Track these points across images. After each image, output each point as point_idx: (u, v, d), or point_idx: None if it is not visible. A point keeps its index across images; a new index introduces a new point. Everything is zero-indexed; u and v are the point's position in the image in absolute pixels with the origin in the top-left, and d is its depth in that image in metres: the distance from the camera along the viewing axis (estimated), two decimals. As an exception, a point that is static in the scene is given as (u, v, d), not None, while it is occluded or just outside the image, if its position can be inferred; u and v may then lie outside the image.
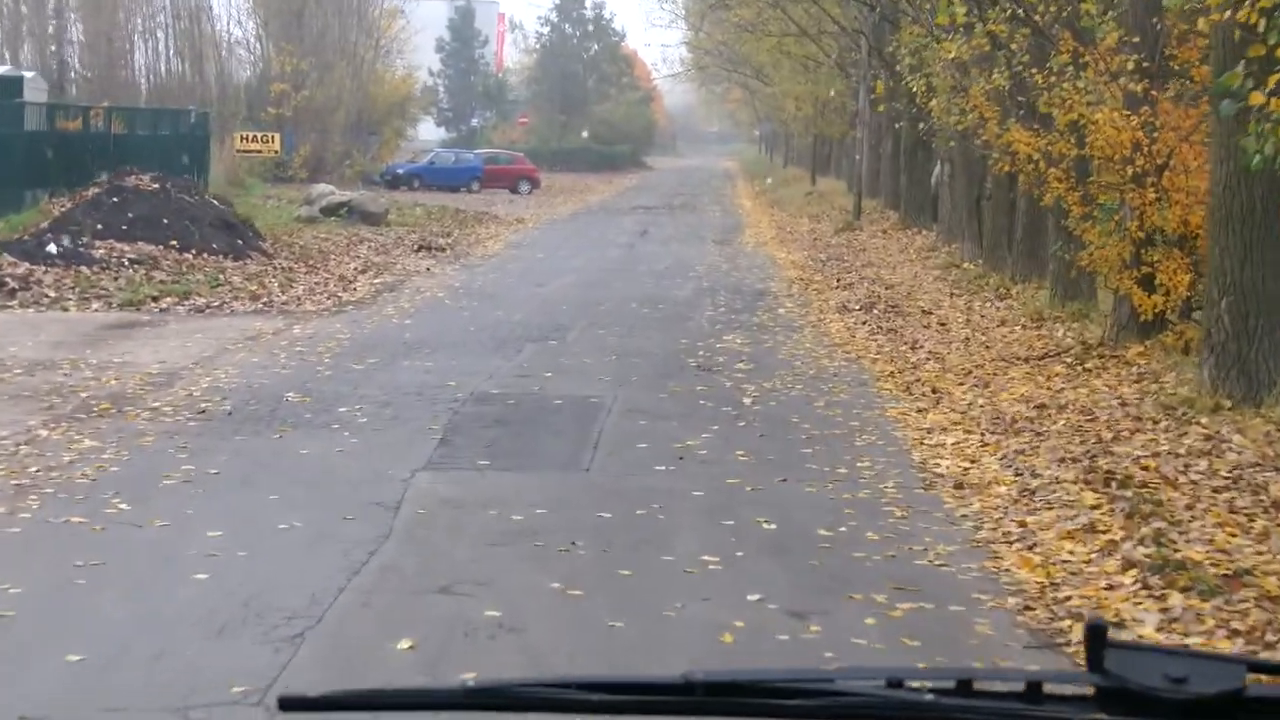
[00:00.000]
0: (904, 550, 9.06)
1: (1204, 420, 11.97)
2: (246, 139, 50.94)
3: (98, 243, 23.22)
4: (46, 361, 15.64)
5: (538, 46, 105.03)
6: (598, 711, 1.88)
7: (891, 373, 15.96)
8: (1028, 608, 7.94)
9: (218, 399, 13.70)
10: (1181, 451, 11.11)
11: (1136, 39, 16.07)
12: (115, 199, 24.87)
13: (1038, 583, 8.37)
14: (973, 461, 11.55)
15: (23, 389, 14.10)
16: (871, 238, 36.32)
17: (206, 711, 6.28)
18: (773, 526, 9.55)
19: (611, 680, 1.89)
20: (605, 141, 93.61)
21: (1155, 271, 15.90)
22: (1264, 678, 1.95)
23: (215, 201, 27.72)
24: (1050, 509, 9.93)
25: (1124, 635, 7.08)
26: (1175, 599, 7.90)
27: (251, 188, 44.91)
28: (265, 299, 21.59)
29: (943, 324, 20.06)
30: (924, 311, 21.42)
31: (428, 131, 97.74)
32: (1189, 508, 9.64)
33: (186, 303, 20.77)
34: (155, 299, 20.78)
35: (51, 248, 22.47)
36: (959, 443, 12.23)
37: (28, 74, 41.00)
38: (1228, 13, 10.93)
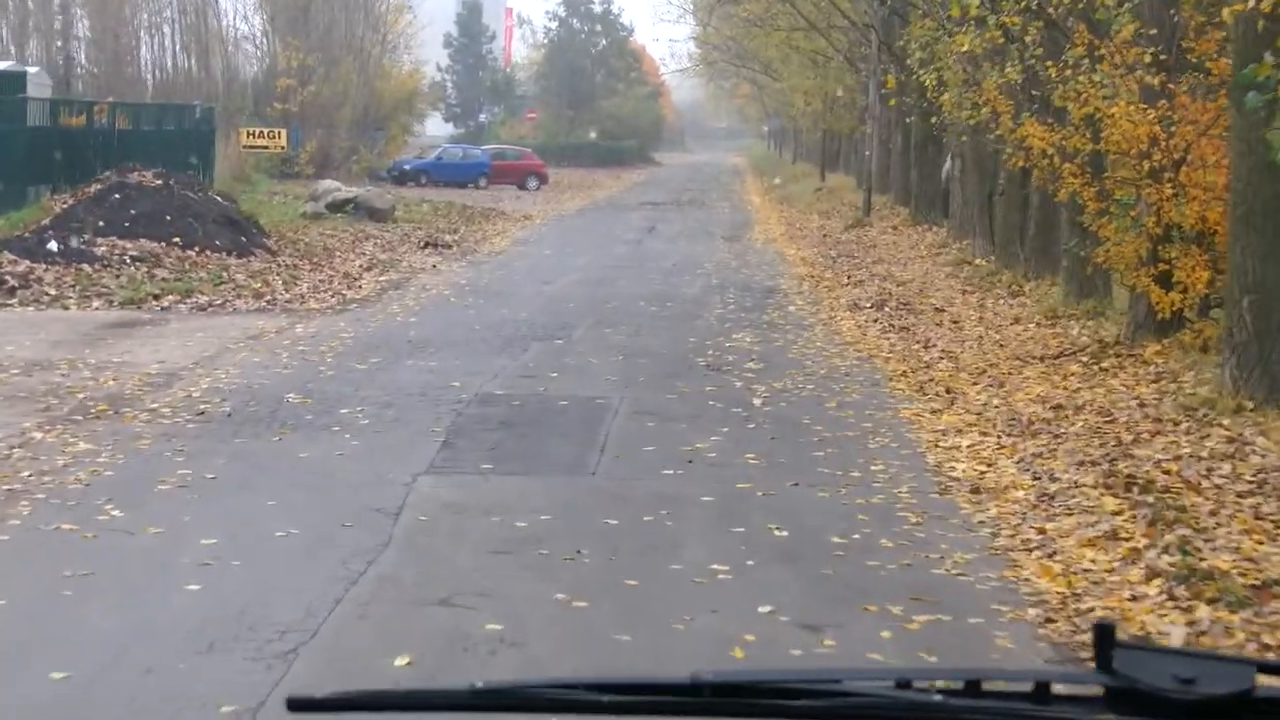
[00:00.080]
0: (920, 558, 8.77)
1: (1226, 422, 11.67)
2: (252, 135, 50.66)
3: (99, 240, 22.96)
4: (44, 361, 15.38)
5: (546, 41, 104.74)
6: (606, 712, 1.87)
7: (904, 372, 15.67)
8: (1049, 620, 7.65)
9: (217, 400, 13.43)
10: (1204, 455, 10.81)
11: (1153, 31, 15.77)
12: (117, 195, 24.62)
13: (1059, 593, 8.08)
14: (989, 465, 11.26)
15: (19, 390, 13.83)
16: (882, 234, 36.02)
17: (193, 733, 6.02)
18: (784, 533, 9.27)
19: (619, 681, 1.88)
20: (613, 137, 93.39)
21: (1173, 268, 15.61)
22: (1273, 679, 1.89)
23: (219, 198, 27.47)
24: (1070, 515, 9.64)
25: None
26: (1202, 611, 7.61)
27: (257, 184, 44.68)
28: (269, 297, 21.33)
29: (955, 322, 19.76)
30: (936, 309, 21.13)
31: (435, 127, 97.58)
32: (1213, 514, 9.35)
33: (189, 301, 20.50)
34: (157, 297, 20.52)
35: (52, 245, 22.22)
36: (974, 445, 11.94)
37: (31, 69, 40.75)
38: (1251, 2, 10.63)
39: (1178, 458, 10.75)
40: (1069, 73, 16.80)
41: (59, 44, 62.93)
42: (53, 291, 20.51)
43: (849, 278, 26.26)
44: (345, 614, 7.57)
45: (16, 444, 11.46)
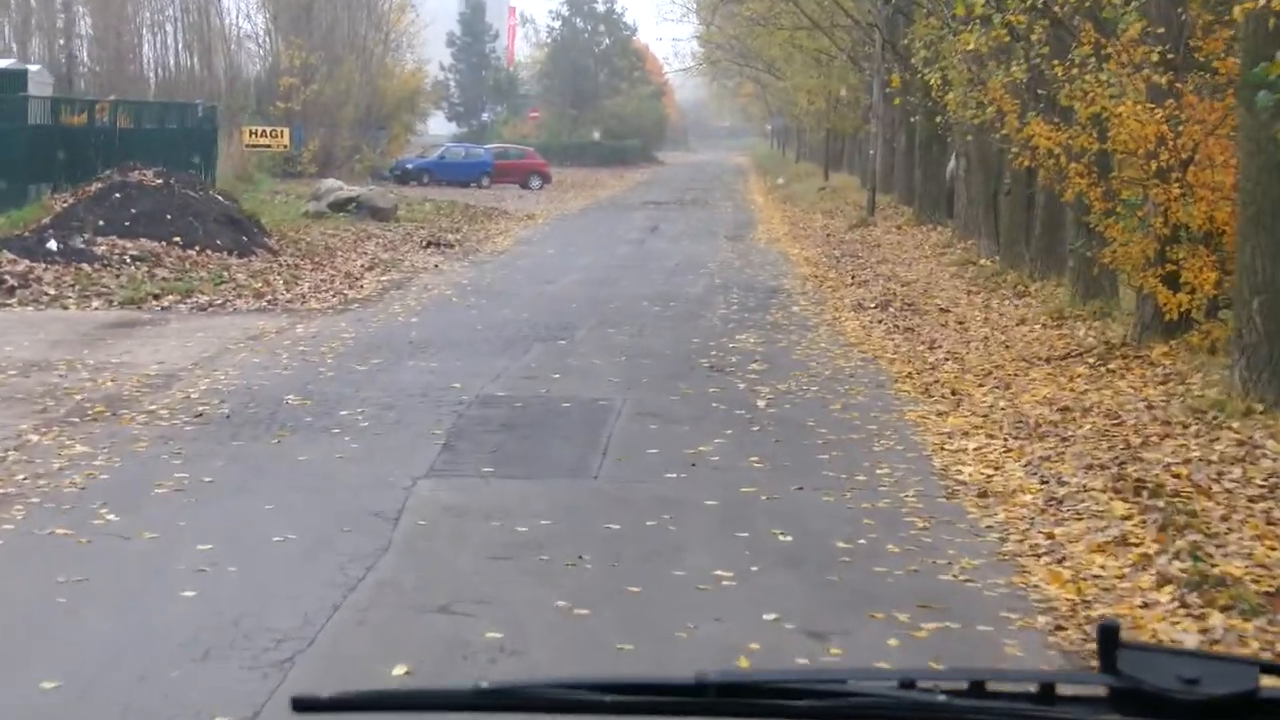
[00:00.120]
0: (927, 564, 8.64)
1: (1235, 425, 11.53)
2: (255, 134, 50.60)
3: (99, 239, 22.83)
4: (42, 362, 15.26)
5: (549, 41, 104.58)
6: (610, 712, 1.86)
7: (909, 373, 15.53)
8: (1059, 628, 7.52)
9: (216, 402, 13.30)
10: (1214, 458, 10.67)
11: (1161, 30, 15.62)
12: (118, 194, 24.49)
13: (1068, 600, 7.95)
14: (996, 468, 11.12)
15: (16, 391, 13.70)
16: (886, 234, 35.87)
17: (186, 746, 5.89)
18: (789, 538, 9.13)
19: (624, 681, 1.88)
20: (616, 136, 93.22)
21: (1180, 269, 15.46)
22: (1277, 680, 1.89)
23: (220, 197, 27.34)
24: (1079, 519, 9.50)
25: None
26: (1216, 619, 7.48)
27: (259, 183, 44.56)
28: (269, 297, 21.20)
29: (960, 322, 19.62)
30: (941, 310, 20.99)
31: (438, 126, 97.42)
32: (1224, 519, 9.22)
33: (189, 301, 20.37)
34: (157, 297, 20.40)
35: (52, 244, 22.09)
36: (981, 448, 11.80)
37: (32, 68, 40.63)
38: (1263, 1, 10.50)
39: (1187, 461, 10.60)
40: (1075, 71, 16.66)
41: (61, 42, 62.88)
42: (52, 291, 20.39)
43: (853, 278, 26.13)
44: (343, 621, 7.44)
45: (12, 446, 11.33)
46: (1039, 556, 8.82)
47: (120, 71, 60.01)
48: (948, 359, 16.47)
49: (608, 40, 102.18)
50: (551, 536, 9.05)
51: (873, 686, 1.88)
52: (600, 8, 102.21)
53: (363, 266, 26.04)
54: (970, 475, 10.90)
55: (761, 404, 13.76)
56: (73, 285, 20.80)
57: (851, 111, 54.48)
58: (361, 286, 23.30)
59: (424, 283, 24.30)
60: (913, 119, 36.05)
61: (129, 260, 22.33)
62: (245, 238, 25.24)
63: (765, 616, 7.58)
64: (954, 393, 14.32)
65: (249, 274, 23.03)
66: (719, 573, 8.33)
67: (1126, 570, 8.45)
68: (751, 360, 16.41)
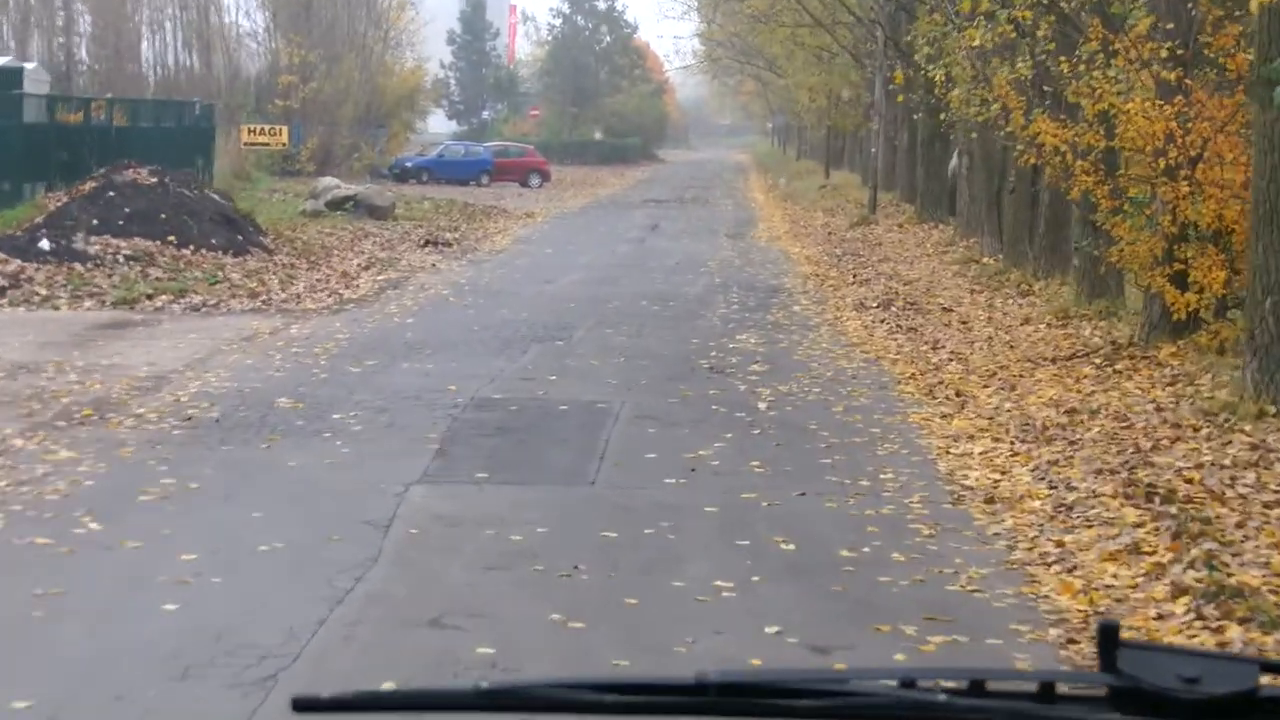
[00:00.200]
0: (933, 574, 8.38)
1: (1248, 428, 11.27)
2: (254, 131, 50.35)
3: (92, 238, 22.53)
4: (31, 364, 14.98)
5: (549, 39, 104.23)
6: (610, 712, 1.85)
7: (913, 375, 15.27)
8: (1071, 640, 7.26)
9: (206, 405, 13.02)
10: (1226, 463, 10.41)
11: (1170, 25, 15.35)
12: (112, 193, 24.18)
13: (1080, 611, 7.69)
14: (1003, 473, 10.86)
15: (2, 394, 13.43)
16: (887, 232, 35.60)
17: (160, 771, 5.63)
18: (791, 547, 8.87)
19: (624, 681, 1.87)
20: (617, 134, 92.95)
21: (1189, 268, 15.20)
22: (1277, 678, 1.89)
23: (215, 196, 27.04)
24: (1089, 527, 9.24)
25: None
26: (1234, 631, 7.22)
27: (258, 181, 44.30)
28: (264, 297, 20.93)
29: (964, 322, 19.36)
30: (944, 309, 20.72)
31: (438, 124, 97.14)
32: (1239, 526, 8.96)
33: (182, 301, 20.10)
34: (150, 297, 20.12)
35: (44, 243, 21.81)
36: (987, 452, 11.54)
37: (28, 65, 40.36)
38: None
39: (1199, 466, 10.34)
40: (1082, 68, 16.39)
41: (60, 40, 62.65)
42: (43, 291, 20.11)
43: (854, 276, 25.86)
44: (329, 636, 7.18)
45: (-4, 451, 11.07)
46: (1049, 565, 8.57)
47: (119, 70, 59.80)
48: (951, 359, 16.21)
49: (608, 38, 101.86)
50: (547, 545, 8.79)
51: (873, 686, 1.86)
52: (601, 5, 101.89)
53: (359, 266, 25.77)
54: (976, 480, 10.64)
55: (762, 406, 13.49)
56: (65, 285, 20.52)
57: (853, 109, 54.21)
58: (357, 286, 23.03)
59: (421, 282, 24.02)
60: (915, 116, 35.78)
61: (122, 260, 22.05)
62: (240, 237, 24.96)
63: (767, 630, 7.34)
64: (958, 394, 14.05)
65: (244, 273, 22.75)
66: (719, 583, 8.07)
67: (1140, 580, 8.19)
68: (752, 361, 16.15)
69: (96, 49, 62.57)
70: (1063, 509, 9.69)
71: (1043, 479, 10.53)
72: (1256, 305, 12.13)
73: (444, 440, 11.74)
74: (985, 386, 14.43)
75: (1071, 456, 11.04)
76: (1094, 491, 9.97)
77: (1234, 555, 8.36)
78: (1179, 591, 7.82)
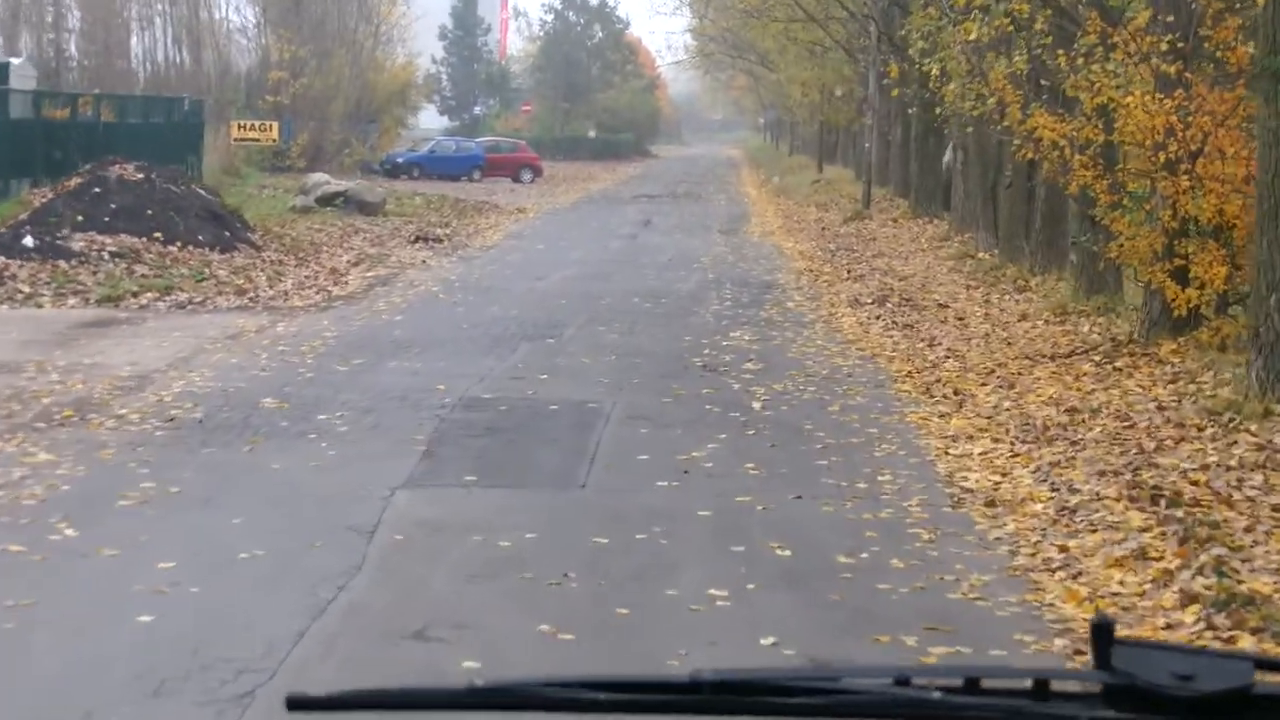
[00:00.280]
0: (934, 580, 8.13)
1: (1253, 427, 11.01)
2: (244, 127, 50.05)
3: (77, 235, 22.24)
4: (11, 364, 14.70)
5: (541, 34, 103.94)
6: (604, 710, 1.82)
7: (909, 372, 15.01)
8: (1078, 652, 6.99)
9: (189, 405, 12.75)
10: (1232, 464, 10.16)
11: (1170, 18, 15.11)
12: (97, 189, 23.86)
13: (1086, 620, 7.40)
14: (1003, 474, 10.61)
15: (-19, 394, 13.16)
16: (881, 227, 35.36)
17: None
18: (787, 553, 8.62)
19: (618, 679, 1.85)
20: (609, 130, 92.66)
21: (1189, 264, 14.96)
22: (1271, 675, 1.85)
23: (203, 192, 26.72)
24: (1094, 531, 8.99)
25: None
26: (1246, 641, 6.98)
27: (247, 177, 44.00)
28: (251, 294, 20.64)
29: (960, 318, 19.11)
30: (940, 305, 20.48)
31: (430, 120, 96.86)
32: (1248, 530, 8.71)
33: (168, 298, 19.80)
34: (135, 294, 19.82)
35: (28, 240, 21.51)
36: (987, 452, 11.29)
37: (15, 61, 39.98)
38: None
39: (1205, 467, 10.10)
40: (1081, 61, 16.14)
41: (50, 36, 62.29)
42: (27, 289, 19.81)
43: (849, 272, 25.61)
44: (309, 650, 6.92)
45: (-29, 455, 10.79)
46: (1053, 571, 8.32)
47: (109, 65, 59.48)
48: (948, 357, 15.96)
49: (600, 34, 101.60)
50: (535, 552, 8.53)
51: (867, 684, 1.85)
52: (593, 1, 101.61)
53: (348, 262, 25.49)
54: (977, 482, 10.39)
55: (757, 406, 13.23)
56: (48, 283, 20.22)
57: (846, 104, 53.98)
58: (346, 283, 22.75)
59: (410, 279, 23.74)
60: (910, 110, 35.52)
61: (107, 257, 21.75)
62: (228, 233, 24.67)
63: (763, 641, 7.09)
64: (956, 393, 13.81)
65: (231, 270, 22.47)
66: (713, 592, 7.82)
67: (1147, 587, 7.94)
68: (746, 359, 15.89)
69: (86, 45, 62.22)
70: (1065, 512, 9.44)
71: (1044, 481, 10.28)
72: (1261, 301, 11.88)
73: (431, 442, 11.47)
74: (983, 384, 14.19)
75: (1073, 457, 10.79)
76: (1097, 494, 9.72)
77: (1244, 561, 8.11)
78: (1188, 599, 7.58)
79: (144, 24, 64.09)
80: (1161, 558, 8.32)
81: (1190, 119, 14.81)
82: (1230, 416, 11.41)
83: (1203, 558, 8.10)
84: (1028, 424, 12.07)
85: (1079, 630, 7.29)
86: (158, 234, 23.12)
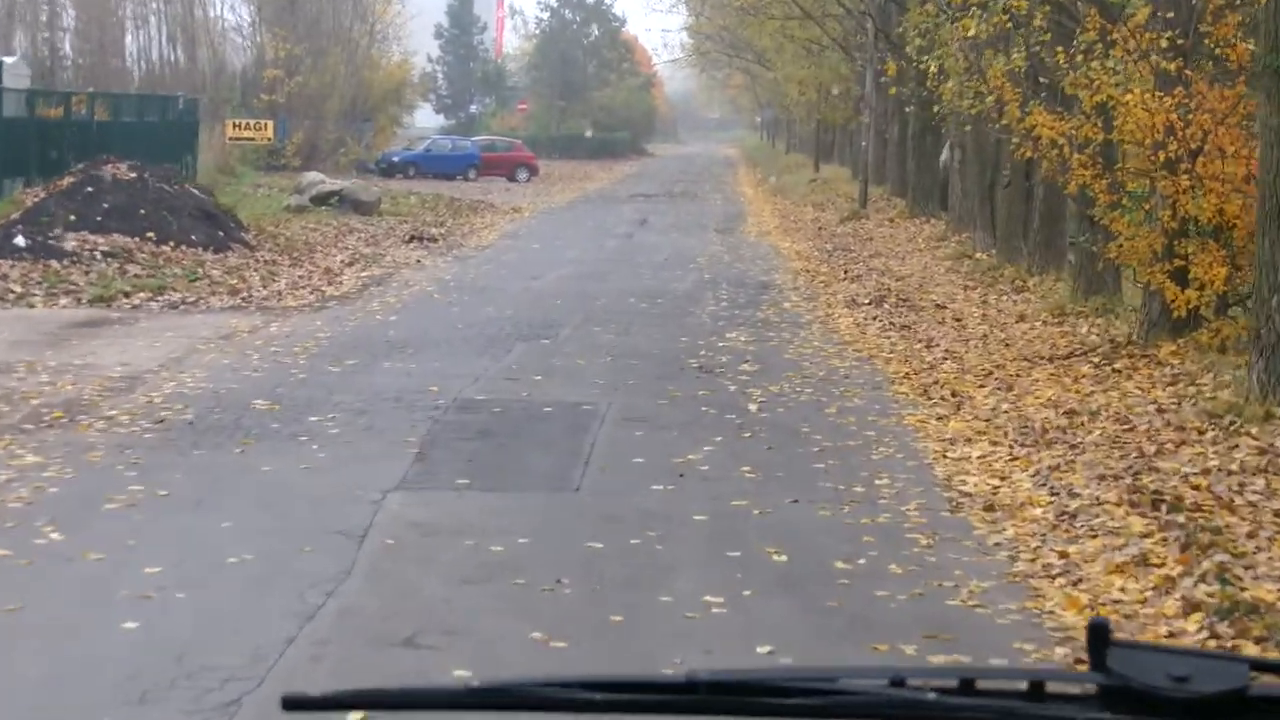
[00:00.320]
0: (933, 587, 8.01)
1: (1255, 431, 10.90)
2: (239, 126, 49.94)
3: (70, 234, 22.09)
4: (1, 364, 14.55)
5: (537, 32, 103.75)
6: (601, 710, 1.83)
7: (907, 374, 14.89)
8: (1079, 661, 6.86)
9: (179, 407, 12.62)
10: (1234, 468, 10.05)
11: (1170, 15, 14.99)
12: (90, 188, 23.70)
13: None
14: (1002, 478, 10.49)
15: (-30, 396, 13.02)
16: (878, 226, 35.24)
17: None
18: (783, 558, 8.50)
19: (614, 679, 1.86)
20: (605, 128, 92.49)
21: (1189, 264, 14.85)
22: (1267, 677, 1.88)
23: (196, 191, 26.56)
24: (1094, 537, 8.86)
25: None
26: (1250, 650, 6.85)
27: (242, 176, 43.84)
28: (244, 294, 20.50)
29: (958, 319, 18.99)
30: (937, 306, 20.36)
31: (426, 118, 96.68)
32: (1251, 536, 8.59)
33: (160, 298, 19.66)
34: (127, 294, 19.67)
35: (20, 240, 21.36)
36: (985, 456, 11.17)
37: (9, 59, 39.87)
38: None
39: (1206, 471, 9.98)
40: (1080, 59, 16.03)
41: (45, 35, 62.12)
42: (18, 289, 19.66)
43: (845, 272, 25.49)
44: (297, 657, 6.80)
45: (-42, 457, 10.66)
46: (1053, 578, 8.20)
47: (104, 64, 59.30)
48: (946, 358, 15.84)
49: (596, 31, 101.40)
50: (528, 557, 8.41)
51: (863, 684, 1.85)
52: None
53: (342, 262, 25.35)
54: (975, 486, 10.27)
55: (753, 408, 13.11)
56: (40, 283, 20.07)
57: (843, 102, 53.85)
58: (340, 283, 22.61)
59: (405, 279, 23.61)
60: (907, 109, 35.39)
61: (100, 256, 21.60)
62: (221, 233, 24.52)
63: (759, 649, 6.98)
64: (954, 394, 13.69)
65: (224, 270, 22.32)
66: (709, 598, 7.70)
67: (1148, 594, 7.83)
68: (742, 360, 15.77)
69: (81, 43, 62.05)
70: (1065, 517, 9.32)
71: (1043, 485, 10.16)
72: (1263, 303, 11.76)
73: (424, 444, 11.34)
74: (981, 386, 14.07)
75: (1073, 461, 10.68)
76: (1097, 499, 9.60)
77: (1246, 568, 8.00)
78: (1191, 607, 7.47)
79: (139, 22, 63.94)
80: (1163, 564, 8.20)
81: (1190, 117, 14.69)
82: (1231, 420, 11.30)
83: (1205, 564, 7.99)
84: (1026, 427, 11.96)
85: (1080, 639, 7.16)
86: (151, 233, 22.97)
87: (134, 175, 24.62)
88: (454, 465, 10.70)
